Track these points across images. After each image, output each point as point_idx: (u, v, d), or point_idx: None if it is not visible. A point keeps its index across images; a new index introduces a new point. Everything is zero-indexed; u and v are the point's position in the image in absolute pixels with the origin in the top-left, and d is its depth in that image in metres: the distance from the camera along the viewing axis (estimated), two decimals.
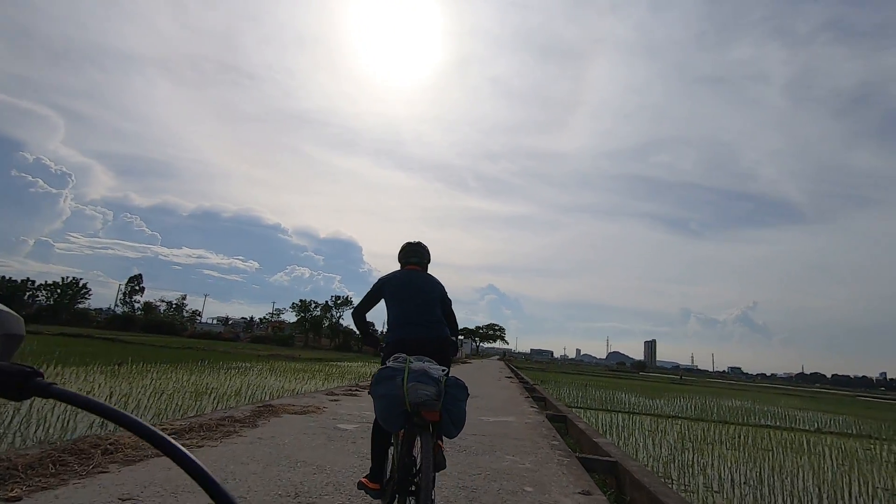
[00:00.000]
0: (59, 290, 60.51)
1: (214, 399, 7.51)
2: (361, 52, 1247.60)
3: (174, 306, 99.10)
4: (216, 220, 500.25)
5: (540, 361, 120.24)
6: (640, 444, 7.49)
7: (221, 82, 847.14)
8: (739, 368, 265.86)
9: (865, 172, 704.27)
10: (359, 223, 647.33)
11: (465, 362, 44.58)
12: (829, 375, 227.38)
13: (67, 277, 63.57)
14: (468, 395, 2.48)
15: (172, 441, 0.48)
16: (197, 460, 0.48)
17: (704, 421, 12.08)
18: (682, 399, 20.96)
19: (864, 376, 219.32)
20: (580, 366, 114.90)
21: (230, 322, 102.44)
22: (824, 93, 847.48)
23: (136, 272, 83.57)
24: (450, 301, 3.19)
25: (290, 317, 75.74)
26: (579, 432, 6.05)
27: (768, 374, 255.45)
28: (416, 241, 3.28)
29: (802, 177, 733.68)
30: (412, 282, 3.06)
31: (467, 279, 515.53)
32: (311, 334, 69.20)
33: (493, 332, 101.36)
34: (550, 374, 36.76)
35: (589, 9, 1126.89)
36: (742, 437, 9.26)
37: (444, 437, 2.55)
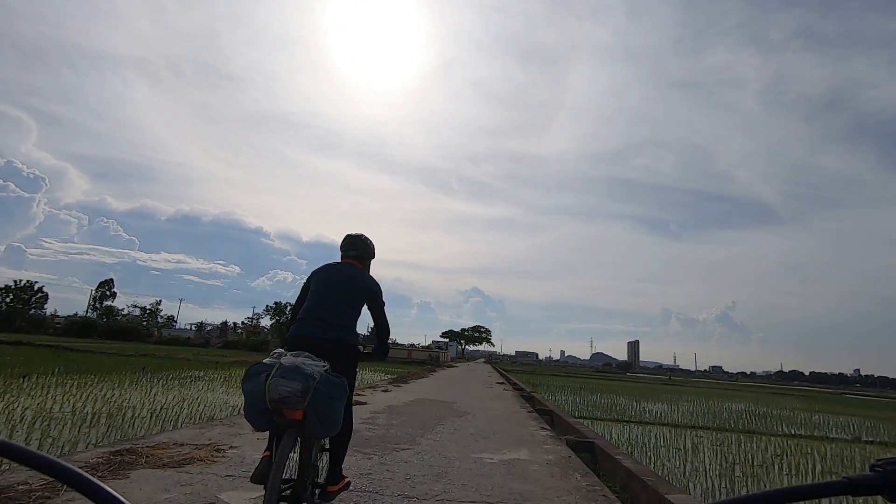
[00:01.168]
0: (11, 295, 56.14)
1: (110, 428, 5.51)
2: (343, 54, 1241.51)
3: (148, 311, 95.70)
4: (196, 225, 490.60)
5: (526, 364, 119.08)
6: (685, 469, 5.78)
7: (200, 84, 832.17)
8: (720, 367, 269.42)
9: (834, 175, 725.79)
10: (342, 226, 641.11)
11: (452, 366, 42.78)
12: (807, 373, 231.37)
13: (21, 281, 59.02)
14: (347, 394, 2.28)
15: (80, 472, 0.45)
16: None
17: (727, 431, 10.53)
18: (685, 403, 19.50)
19: (840, 373, 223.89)
20: (566, 367, 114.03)
21: (207, 328, 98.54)
22: (796, 98, 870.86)
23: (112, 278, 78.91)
24: (382, 303, 2.96)
25: (268, 321, 72.84)
26: (627, 474, 4.06)
27: (748, 372, 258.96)
28: (358, 233, 3.08)
29: (775, 179, 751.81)
30: (333, 276, 2.87)
31: (451, 282, 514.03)
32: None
33: (478, 334, 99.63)
34: (541, 378, 35.19)
35: (568, 14, 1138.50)
36: (787, 453, 7.65)
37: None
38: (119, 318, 75.69)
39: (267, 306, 68.97)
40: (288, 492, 2.17)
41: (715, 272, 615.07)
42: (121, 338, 48.36)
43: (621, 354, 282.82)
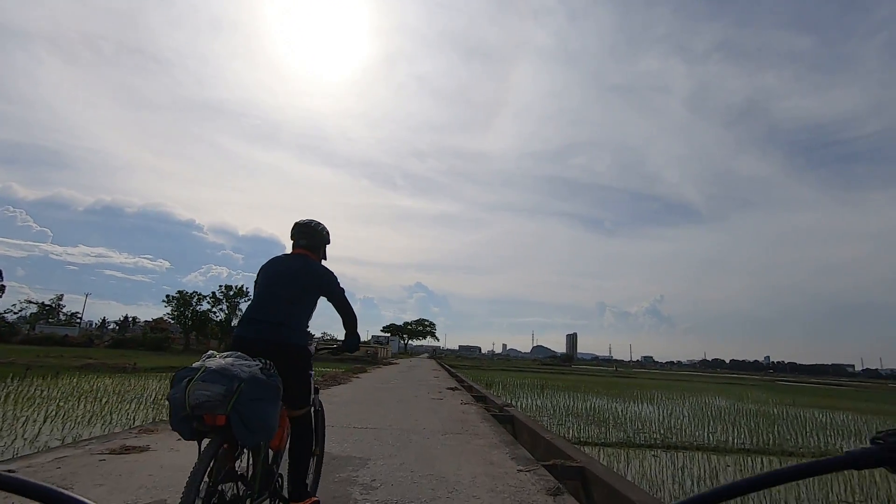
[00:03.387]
0: None
1: None
2: (283, 41, 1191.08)
3: (47, 308, 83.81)
4: (119, 216, 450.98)
5: (470, 358, 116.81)
6: None
7: (123, 65, 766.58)
8: (651, 357, 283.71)
9: (749, 178, 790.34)
10: (281, 220, 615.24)
11: (391, 363, 38.22)
12: (727, 360, 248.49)
13: None
14: (279, 394, 2.07)
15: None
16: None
17: (767, 454, 7.16)
18: (667, 402, 16.41)
19: (756, 360, 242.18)
20: (511, 361, 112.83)
21: (108, 325, 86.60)
22: (717, 105, 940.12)
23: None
24: (341, 290, 2.68)
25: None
26: None
27: (675, 361, 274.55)
28: (308, 219, 2.80)
29: (699, 180, 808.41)
30: (276, 270, 2.61)
31: (396, 277, 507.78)
32: (194, 335, 53.74)
33: (422, 328, 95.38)
34: (489, 373, 31.62)
35: (511, 13, 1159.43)
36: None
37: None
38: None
39: (167, 296, 54.49)
40: None
41: (646, 267, 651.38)
42: None
43: (560, 347, 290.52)
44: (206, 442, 1.89)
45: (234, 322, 52.05)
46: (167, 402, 1.92)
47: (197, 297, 54.71)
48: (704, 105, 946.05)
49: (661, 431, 8.92)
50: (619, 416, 10.86)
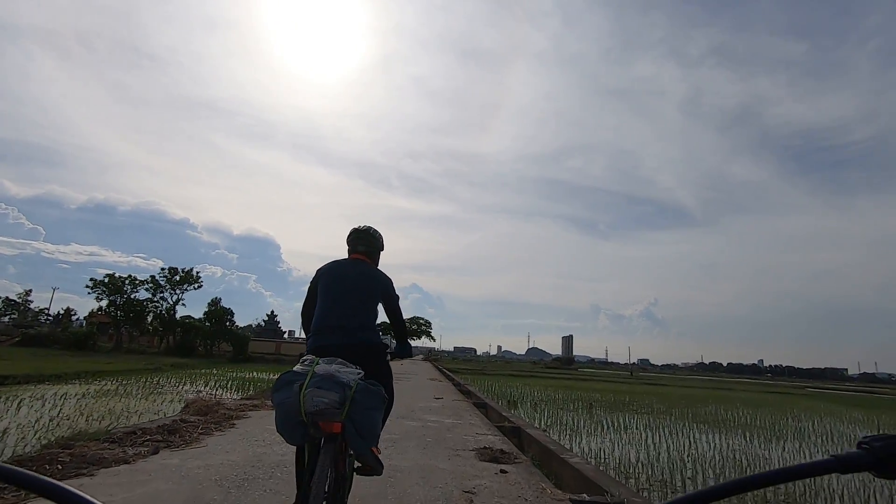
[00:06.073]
0: None
1: None
2: (278, 41, 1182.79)
3: (12, 303, 78.47)
4: (112, 215, 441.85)
5: (465, 360, 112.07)
6: None
7: (117, 62, 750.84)
8: (648, 360, 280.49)
9: (743, 183, 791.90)
10: (276, 220, 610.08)
11: None
12: (724, 364, 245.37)
13: None
14: (385, 402, 2.09)
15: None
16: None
17: None
18: (747, 424, 11.77)
19: (754, 364, 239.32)
20: (510, 363, 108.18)
21: (47, 318, 79.37)
22: (711, 110, 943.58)
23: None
24: (396, 297, 2.70)
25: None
26: None
27: (671, 364, 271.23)
28: (366, 226, 2.76)
29: (693, 184, 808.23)
30: (346, 275, 2.58)
31: (391, 278, 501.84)
32: (128, 329, 42.61)
33: (417, 326, 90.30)
34: (496, 380, 26.88)
35: (508, 16, 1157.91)
36: None
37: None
38: None
39: (92, 279, 41.24)
40: None
41: (640, 271, 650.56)
42: None
43: (555, 349, 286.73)
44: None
45: (178, 314, 43.84)
46: (274, 406, 1.94)
47: (131, 281, 42.26)
48: (699, 109, 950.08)
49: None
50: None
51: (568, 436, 8.82)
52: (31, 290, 79.15)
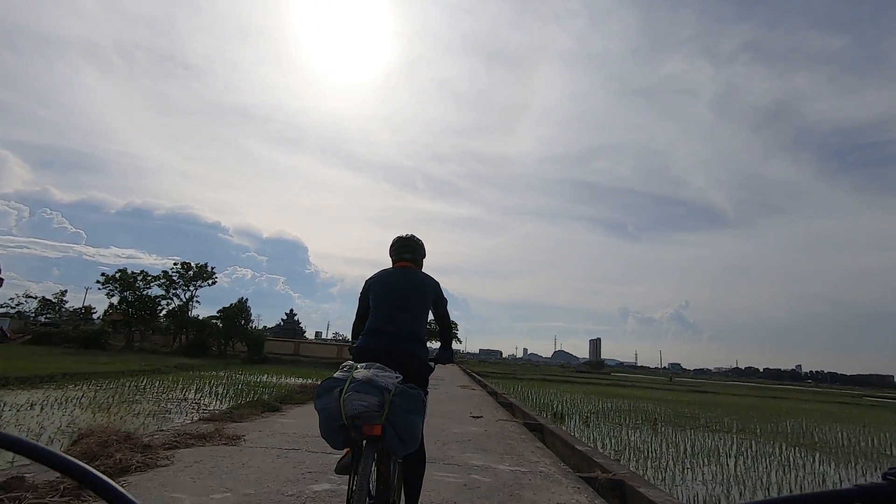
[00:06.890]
0: None
1: None
2: (308, 47, 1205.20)
3: (49, 303, 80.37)
4: (149, 218, 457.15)
5: (492, 363, 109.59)
6: None
7: (154, 72, 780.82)
8: (679, 364, 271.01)
9: (778, 182, 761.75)
10: (304, 223, 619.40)
11: None
12: (761, 369, 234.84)
13: None
14: (424, 407, 2.11)
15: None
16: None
17: None
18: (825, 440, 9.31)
19: (793, 370, 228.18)
20: (539, 367, 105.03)
21: (62, 315, 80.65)
22: (745, 108, 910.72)
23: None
24: (445, 300, 2.72)
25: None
26: None
27: (703, 369, 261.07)
28: (409, 234, 2.84)
29: (726, 185, 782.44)
30: (396, 283, 2.59)
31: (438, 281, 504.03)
32: (140, 328, 40.83)
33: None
34: (527, 384, 24.59)
35: (533, 17, 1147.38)
36: None
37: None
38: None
39: (104, 275, 39.31)
40: None
41: (670, 273, 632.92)
42: None
43: (582, 352, 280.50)
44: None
45: (194, 312, 42.06)
46: (318, 411, 2.01)
47: (143, 277, 40.18)
48: (732, 108, 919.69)
49: None
50: None
51: (652, 469, 6.64)
52: (66, 291, 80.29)
